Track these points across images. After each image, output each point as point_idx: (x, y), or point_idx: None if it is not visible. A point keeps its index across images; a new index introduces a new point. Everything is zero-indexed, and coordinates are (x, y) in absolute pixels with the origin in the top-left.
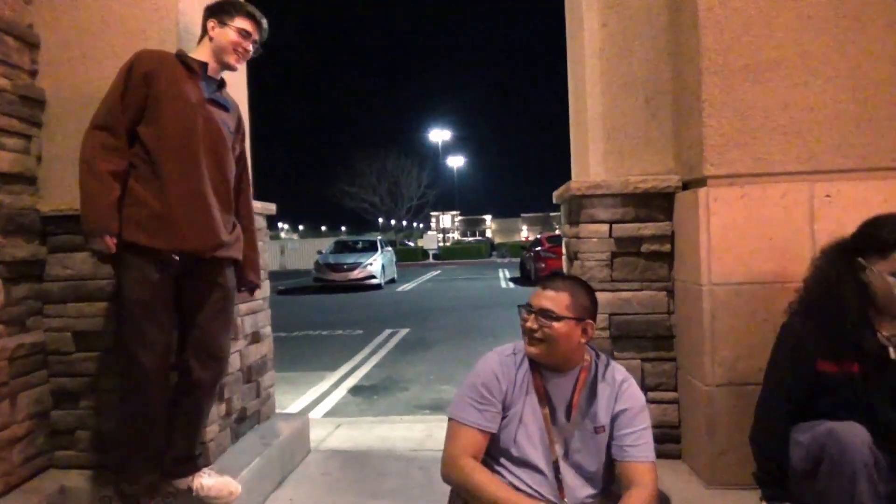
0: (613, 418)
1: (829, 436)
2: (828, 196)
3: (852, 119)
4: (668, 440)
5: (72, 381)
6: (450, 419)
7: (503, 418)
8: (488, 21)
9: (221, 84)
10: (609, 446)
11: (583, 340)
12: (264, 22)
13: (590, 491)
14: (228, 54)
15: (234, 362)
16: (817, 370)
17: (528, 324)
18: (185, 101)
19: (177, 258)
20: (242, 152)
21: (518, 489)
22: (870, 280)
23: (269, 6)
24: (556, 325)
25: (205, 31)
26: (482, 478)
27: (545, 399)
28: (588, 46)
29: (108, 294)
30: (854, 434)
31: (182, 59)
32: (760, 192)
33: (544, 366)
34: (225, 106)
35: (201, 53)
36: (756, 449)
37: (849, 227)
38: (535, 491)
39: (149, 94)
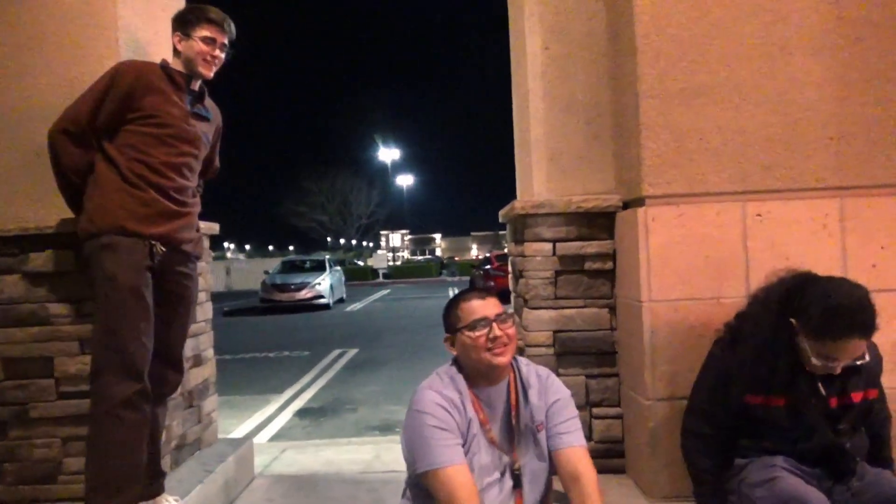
0: (547, 411)
1: (792, 499)
2: (759, 215)
3: (781, 141)
4: (612, 455)
5: (0, 410)
6: (427, 472)
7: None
8: (437, 42)
9: (202, 94)
10: (547, 440)
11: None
12: (228, 24)
13: (539, 494)
14: (198, 65)
15: None
16: (744, 402)
17: (495, 332)
18: (175, 114)
19: (161, 248)
20: (216, 160)
21: None
22: (799, 345)
23: None
24: (512, 323)
25: (174, 44)
26: None
27: (486, 414)
28: (531, 69)
29: (41, 318)
30: (814, 495)
31: (167, 71)
32: (696, 211)
33: (483, 377)
34: (206, 117)
35: (177, 64)
36: (684, 456)
37: (779, 244)
38: None
39: (132, 105)
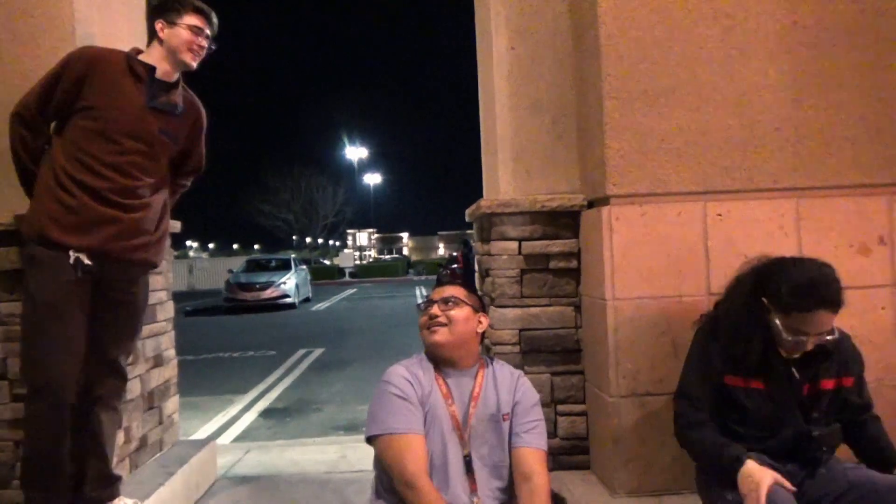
0: (513, 407)
1: None
2: (719, 215)
3: (740, 143)
4: (577, 451)
5: None
6: (379, 436)
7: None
8: (403, 41)
9: (174, 86)
10: (509, 436)
11: (479, 331)
12: (213, 15)
13: (498, 483)
14: (183, 53)
15: (134, 388)
16: (724, 383)
17: (432, 311)
18: (124, 108)
19: (87, 261)
20: (199, 154)
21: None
22: (771, 324)
23: None
24: (457, 308)
25: (153, 32)
26: None
27: (450, 396)
28: (497, 69)
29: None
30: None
31: (130, 62)
32: (658, 210)
33: (444, 359)
34: (171, 111)
35: (152, 56)
36: (688, 440)
37: (738, 243)
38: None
39: (81, 95)
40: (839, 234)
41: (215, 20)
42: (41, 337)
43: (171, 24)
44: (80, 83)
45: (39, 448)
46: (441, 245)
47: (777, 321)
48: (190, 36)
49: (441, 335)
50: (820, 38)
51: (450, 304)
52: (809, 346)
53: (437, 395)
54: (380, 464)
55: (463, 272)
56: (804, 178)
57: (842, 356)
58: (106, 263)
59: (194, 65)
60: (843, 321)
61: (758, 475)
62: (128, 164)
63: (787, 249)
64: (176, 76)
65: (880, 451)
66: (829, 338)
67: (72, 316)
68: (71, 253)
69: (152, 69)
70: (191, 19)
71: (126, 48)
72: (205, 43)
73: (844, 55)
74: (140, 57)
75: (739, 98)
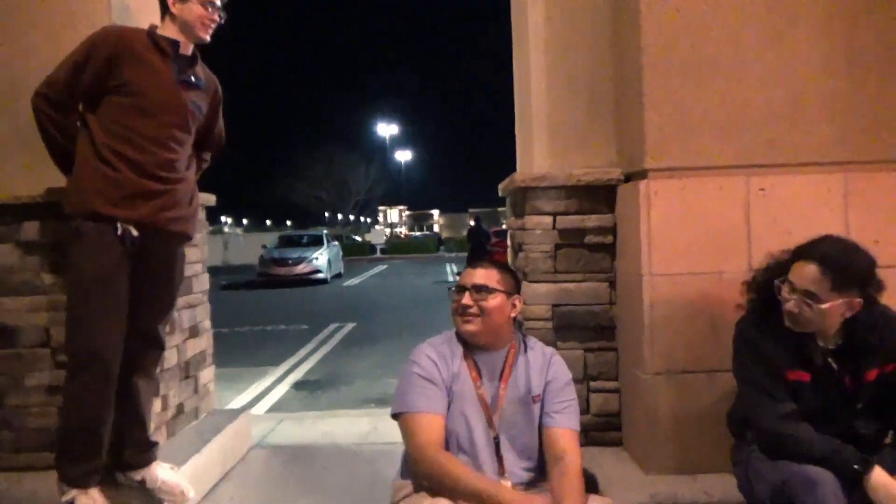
0: (545, 387)
1: (798, 475)
2: (762, 189)
3: (784, 115)
4: (609, 428)
5: None
6: (401, 414)
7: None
8: (436, 16)
9: (194, 60)
10: (540, 416)
11: (512, 315)
12: None
13: (526, 464)
14: (197, 29)
15: (171, 357)
16: (785, 378)
17: (464, 301)
18: (157, 83)
19: (135, 232)
20: (220, 128)
21: None
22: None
23: None
24: (490, 297)
25: (165, 7)
26: (459, 470)
27: (479, 377)
28: (533, 41)
29: (34, 288)
30: (821, 473)
31: (153, 38)
32: (698, 185)
33: (477, 345)
34: (197, 85)
35: (168, 31)
36: (784, 434)
37: (781, 219)
38: (477, 467)
39: (113, 74)
40: (888, 211)
41: None
42: (90, 308)
43: None
44: (111, 62)
45: (84, 421)
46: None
47: (784, 291)
48: (202, 11)
49: (474, 325)
50: (875, 4)
51: (482, 292)
52: (796, 310)
53: (465, 376)
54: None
55: (471, 247)
56: (852, 152)
57: (885, 344)
58: (148, 235)
59: (207, 38)
60: (891, 301)
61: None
62: (166, 138)
63: (832, 226)
64: (191, 49)
65: None
66: (813, 289)
67: (118, 287)
68: (119, 225)
69: (176, 44)
70: None
71: (157, 20)
72: (217, 17)
73: None
74: (158, 32)
75: (785, 69)
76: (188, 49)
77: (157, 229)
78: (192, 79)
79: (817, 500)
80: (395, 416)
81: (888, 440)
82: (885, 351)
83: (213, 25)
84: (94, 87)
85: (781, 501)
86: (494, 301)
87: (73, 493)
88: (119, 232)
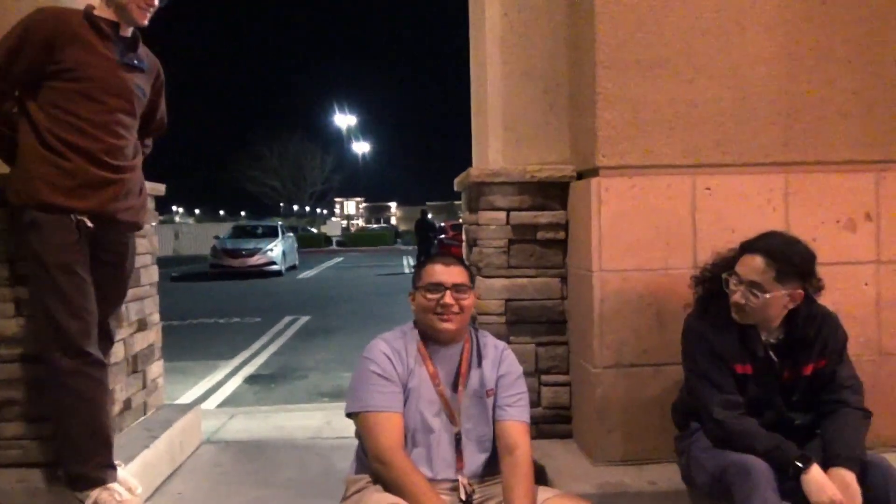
0: (497, 381)
1: (735, 463)
2: (708, 189)
3: (732, 116)
4: (559, 421)
5: None
6: (357, 414)
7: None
8: (395, 5)
9: (135, 42)
10: (493, 409)
11: (473, 310)
12: None
13: (483, 457)
14: (133, 12)
15: (118, 351)
16: (733, 371)
17: (446, 300)
18: (100, 66)
19: (90, 224)
20: (162, 112)
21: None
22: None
23: None
24: (467, 295)
25: None
26: (417, 479)
27: (437, 376)
28: (489, 36)
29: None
30: (754, 461)
31: (90, 19)
32: (648, 183)
33: (444, 343)
34: (140, 67)
35: (104, 12)
36: (731, 425)
37: (725, 217)
38: (432, 465)
39: (53, 58)
40: (827, 210)
41: None
42: (64, 299)
43: None
44: (49, 45)
45: (88, 415)
46: (429, 215)
47: (725, 276)
48: None
49: (454, 324)
50: (816, 11)
51: (462, 291)
52: (742, 300)
53: (422, 373)
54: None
55: (418, 241)
56: (795, 153)
57: (821, 340)
58: (101, 226)
59: (145, 22)
60: (828, 297)
61: (829, 490)
62: (113, 123)
63: (774, 224)
64: (130, 31)
65: (829, 444)
66: (755, 279)
67: (83, 274)
68: (73, 217)
69: (115, 25)
70: None
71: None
72: (156, 1)
73: (840, 29)
74: (95, 13)
75: (733, 70)
76: (128, 31)
77: (109, 220)
78: (135, 61)
79: (751, 486)
80: (351, 415)
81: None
82: (820, 346)
83: (151, 9)
84: (32, 72)
85: (720, 488)
86: (470, 300)
87: (93, 493)
88: (74, 223)
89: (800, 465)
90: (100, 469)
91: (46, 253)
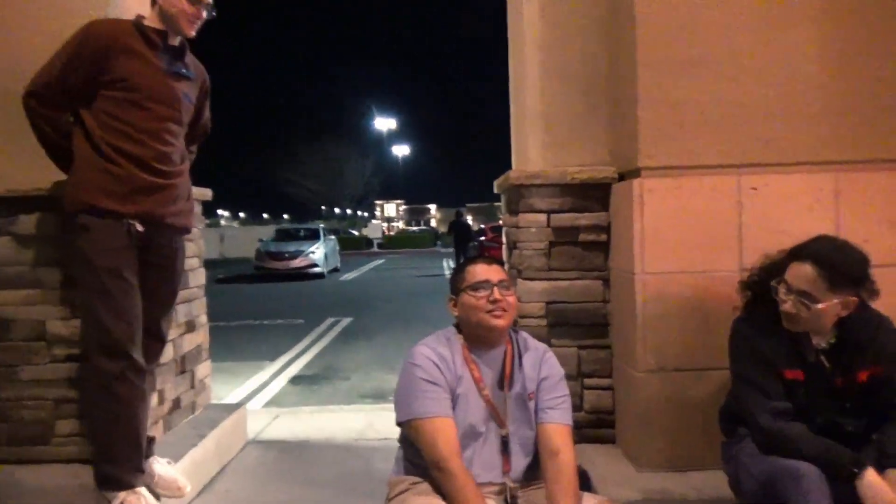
0: (538, 384)
1: (783, 469)
2: (754, 189)
3: (777, 115)
4: (602, 425)
5: None
6: (410, 421)
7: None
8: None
9: (183, 50)
10: (535, 412)
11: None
12: None
13: (527, 461)
14: (182, 24)
15: (168, 352)
16: (782, 376)
17: (496, 295)
18: (150, 75)
19: (140, 227)
20: (206, 118)
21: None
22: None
23: None
24: (511, 291)
25: None
26: (474, 493)
27: (482, 378)
28: (528, 37)
29: (29, 280)
30: (805, 467)
31: (140, 29)
32: (691, 183)
33: (496, 342)
34: (187, 76)
35: (154, 22)
36: (779, 430)
37: (772, 218)
38: (479, 468)
39: (105, 69)
40: (879, 210)
41: None
42: (106, 303)
43: None
44: (102, 57)
45: (122, 418)
46: (469, 217)
47: (781, 291)
48: (189, 8)
49: (505, 319)
50: (865, 4)
51: (507, 287)
52: (791, 308)
53: (468, 378)
54: (407, 442)
55: (455, 242)
56: (844, 152)
57: (875, 346)
58: (151, 230)
59: (192, 34)
60: (882, 301)
61: (887, 495)
62: (162, 131)
63: (823, 225)
64: (178, 40)
65: (884, 446)
66: (805, 287)
67: (131, 279)
68: (124, 221)
69: (164, 34)
70: None
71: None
72: (204, 14)
73: (891, 21)
74: (145, 23)
75: (779, 67)
76: (176, 40)
77: (159, 224)
78: (182, 70)
79: (802, 493)
80: (402, 423)
81: (873, 438)
82: (874, 352)
83: (199, 22)
84: (86, 83)
85: (768, 495)
86: (513, 297)
87: (121, 495)
88: (125, 227)
89: (854, 469)
90: (130, 473)
91: (95, 257)
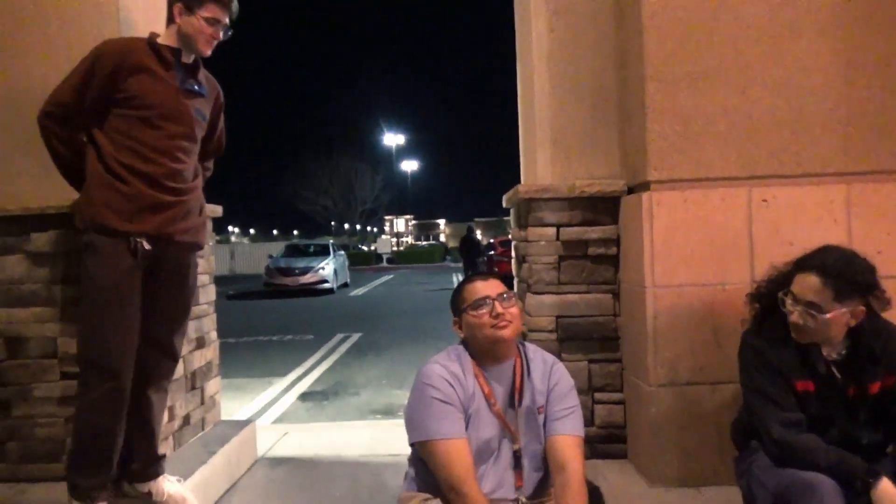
0: (548, 396)
1: (798, 481)
2: (764, 200)
3: (788, 126)
4: (614, 440)
5: (2, 389)
6: (424, 442)
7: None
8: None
9: (196, 67)
10: (544, 424)
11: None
12: (234, 4)
13: (539, 475)
14: (199, 43)
15: (178, 368)
16: (793, 388)
17: (497, 309)
18: (162, 93)
19: (147, 246)
20: (221, 134)
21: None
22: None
23: None
24: (514, 305)
25: (171, 16)
26: None
27: (492, 393)
28: (536, 51)
29: (42, 298)
30: (819, 478)
31: (154, 47)
32: (701, 196)
33: (503, 355)
34: (200, 93)
35: (169, 39)
36: (792, 441)
37: (784, 230)
38: (491, 484)
39: (118, 87)
40: (891, 221)
41: (235, 9)
42: (103, 321)
43: (189, 11)
44: (115, 76)
45: (96, 433)
46: (478, 231)
47: (788, 302)
48: (206, 27)
49: (510, 330)
50: (874, 14)
51: (509, 300)
52: (799, 320)
53: (479, 395)
54: (419, 462)
55: (463, 258)
56: (855, 163)
57: (889, 357)
58: (160, 247)
59: (208, 53)
60: (894, 311)
61: None
62: (174, 148)
63: (835, 236)
64: (192, 57)
65: None
66: (814, 300)
67: (131, 300)
68: (131, 239)
69: (178, 52)
70: (210, 11)
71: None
72: (220, 34)
73: None
74: (159, 41)
75: (788, 79)
76: (189, 57)
77: (168, 241)
78: (195, 87)
79: None
80: (415, 444)
81: (889, 450)
82: (886, 363)
83: (215, 42)
84: (99, 102)
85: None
86: (516, 308)
87: None
88: (131, 246)
89: (868, 479)
90: (94, 488)
91: (99, 275)
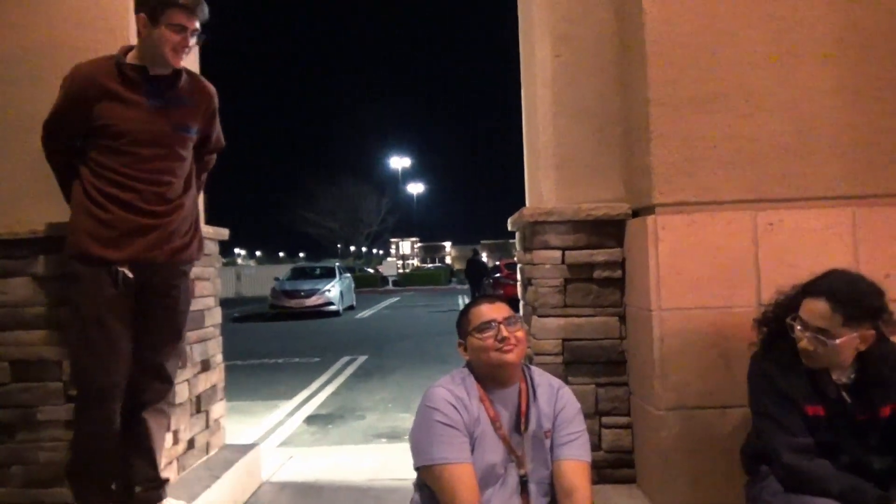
0: (554, 420)
1: None
2: (770, 224)
3: (792, 150)
4: (621, 465)
5: (7, 412)
6: (429, 467)
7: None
8: (447, 49)
9: (175, 77)
10: (551, 449)
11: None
12: (201, 7)
13: (546, 501)
14: (167, 55)
15: (182, 392)
16: (803, 412)
17: (503, 333)
18: (130, 116)
19: (129, 274)
20: (217, 134)
21: None
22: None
23: (227, 19)
24: (519, 328)
25: (137, 26)
26: None
27: (498, 418)
28: (540, 76)
29: (47, 321)
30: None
31: (120, 68)
32: (707, 219)
33: (508, 379)
34: (181, 103)
35: (140, 52)
36: (801, 467)
37: (790, 254)
38: None
39: (92, 115)
40: None
41: (204, 11)
42: (89, 348)
43: (154, 22)
44: (83, 104)
45: (88, 448)
46: (484, 254)
47: (797, 328)
48: (174, 37)
49: (515, 354)
50: (877, 39)
51: (514, 324)
52: (809, 346)
53: (484, 419)
54: (424, 487)
55: (469, 280)
56: (861, 186)
57: None
58: (145, 271)
59: (180, 65)
60: None
61: None
62: (152, 171)
63: (842, 260)
64: (169, 69)
65: None
66: (822, 325)
67: (116, 328)
68: (112, 268)
69: (144, 69)
70: (173, 18)
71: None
72: (189, 41)
73: None
74: (130, 56)
75: (792, 103)
76: (166, 69)
77: (152, 264)
78: (173, 99)
79: None
80: (420, 468)
81: None
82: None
83: (187, 51)
84: (77, 127)
85: None
86: (521, 332)
87: None
88: (113, 275)
89: None
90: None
91: (82, 304)
